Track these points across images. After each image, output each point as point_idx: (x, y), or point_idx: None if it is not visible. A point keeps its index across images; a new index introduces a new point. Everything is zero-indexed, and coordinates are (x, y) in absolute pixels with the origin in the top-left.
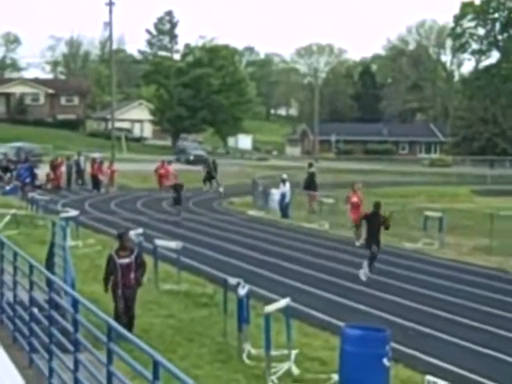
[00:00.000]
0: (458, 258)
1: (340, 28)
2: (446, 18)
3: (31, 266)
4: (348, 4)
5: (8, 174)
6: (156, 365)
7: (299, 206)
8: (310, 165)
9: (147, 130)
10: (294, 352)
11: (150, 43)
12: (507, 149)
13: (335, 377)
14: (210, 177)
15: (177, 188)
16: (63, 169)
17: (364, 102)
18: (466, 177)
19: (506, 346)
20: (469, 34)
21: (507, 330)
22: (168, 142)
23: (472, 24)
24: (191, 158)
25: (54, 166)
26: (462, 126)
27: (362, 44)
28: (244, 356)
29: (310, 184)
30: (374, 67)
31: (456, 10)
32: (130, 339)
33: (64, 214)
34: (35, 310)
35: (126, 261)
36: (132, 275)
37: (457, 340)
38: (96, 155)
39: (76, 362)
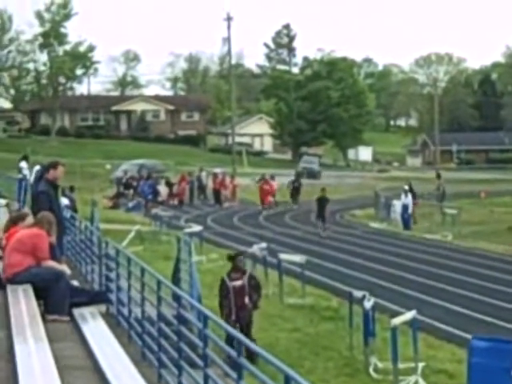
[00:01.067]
0: None
1: (459, 36)
2: None
3: (159, 282)
4: (466, 12)
5: (130, 191)
6: (288, 379)
7: (422, 218)
8: (439, 176)
9: (267, 144)
10: (420, 365)
11: (268, 57)
12: None
13: None
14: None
15: (321, 202)
16: (185, 184)
17: (485, 111)
18: None
19: None
20: None
21: None
22: (288, 156)
23: None
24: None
25: (172, 184)
26: None
27: (481, 52)
28: (371, 369)
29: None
30: (493, 75)
31: None
32: (261, 354)
33: (188, 230)
34: (163, 326)
35: (238, 283)
36: (246, 299)
37: None
38: (217, 170)
39: (206, 377)
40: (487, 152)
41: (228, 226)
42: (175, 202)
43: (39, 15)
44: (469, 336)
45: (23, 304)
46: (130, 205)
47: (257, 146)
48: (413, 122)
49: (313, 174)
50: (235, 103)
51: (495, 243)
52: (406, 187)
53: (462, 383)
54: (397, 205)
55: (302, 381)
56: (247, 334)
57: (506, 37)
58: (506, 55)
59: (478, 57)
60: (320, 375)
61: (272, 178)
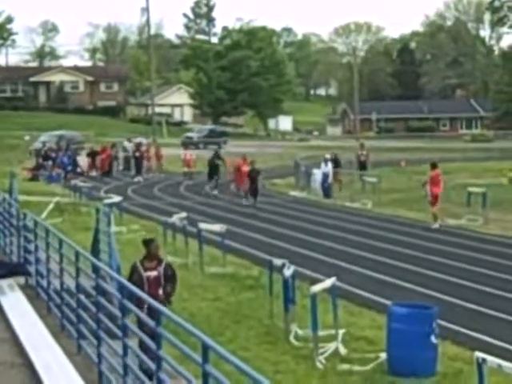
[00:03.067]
0: (503, 233)
1: (378, 5)
2: None
3: (77, 253)
4: None
5: (49, 162)
6: (205, 348)
7: (343, 186)
8: (362, 145)
9: (187, 114)
10: (340, 332)
11: (187, 27)
12: None
13: (383, 355)
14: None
15: (252, 175)
16: (107, 155)
17: (403, 80)
18: (509, 151)
19: None
20: (507, 7)
21: None
22: (208, 126)
23: None
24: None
25: (96, 153)
26: (503, 100)
27: (400, 21)
28: (291, 337)
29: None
30: (412, 44)
31: None
32: (179, 323)
33: (107, 200)
34: (82, 297)
35: (153, 274)
36: (160, 291)
37: (505, 315)
38: (141, 140)
39: (125, 348)
40: (406, 120)
41: (149, 196)
42: (96, 172)
43: None
44: (388, 302)
45: None
46: (49, 175)
47: (177, 116)
48: (332, 92)
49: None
50: (154, 74)
51: (415, 210)
52: (328, 156)
53: (381, 349)
54: (317, 174)
55: (219, 349)
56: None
57: (425, 6)
58: (424, 24)
59: (397, 26)
60: (241, 344)
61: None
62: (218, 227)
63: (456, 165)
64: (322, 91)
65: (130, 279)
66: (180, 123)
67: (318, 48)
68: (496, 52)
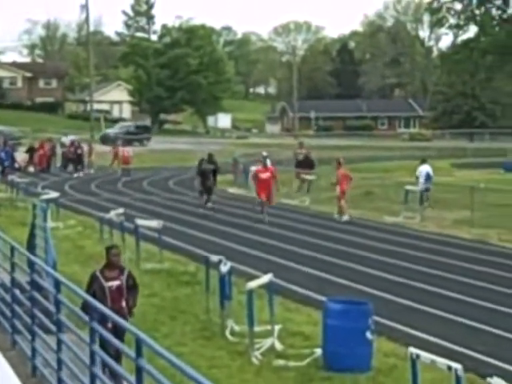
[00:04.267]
0: (440, 231)
1: (317, 5)
2: None
3: (12, 248)
4: None
5: None
6: (139, 343)
7: (281, 184)
8: (301, 144)
9: (126, 111)
10: (277, 327)
11: (127, 25)
12: (486, 122)
13: (318, 351)
14: None
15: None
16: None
17: (343, 79)
18: (446, 150)
19: (487, 316)
20: (446, 8)
21: (489, 301)
22: (147, 123)
23: None
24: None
25: (34, 149)
26: (440, 100)
27: (340, 21)
28: (227, 333)
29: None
30: (352, 44)
31: None
32: (112, 318)
33: (44, 196)
34: (17, 292)
35: (115, 283)
36: (123, 302)
37: (439, 312)
38: (72, 137)
39: (59, 343)
40: (345, 119)
41: (86, 192)
42: (33, 168)
43: None
44: (325, 299)
45: None
46: None
47: (115, 112)
48: (272, 90)
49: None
50: (93, 70)
51: (352, 208)
52: (265, 153)
53: (317, 345)
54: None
55: (152, 343)
56: (122, 342)
57: (364, 6)
58: (363, 24)
59: (337, 25)
60: (177, 339)
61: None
62: (154, 223)
63: (394, 163)
64: (261, 90)
65: (88, 290)
66: (118, 120)
67: (257, 47)
68: (435, 53)
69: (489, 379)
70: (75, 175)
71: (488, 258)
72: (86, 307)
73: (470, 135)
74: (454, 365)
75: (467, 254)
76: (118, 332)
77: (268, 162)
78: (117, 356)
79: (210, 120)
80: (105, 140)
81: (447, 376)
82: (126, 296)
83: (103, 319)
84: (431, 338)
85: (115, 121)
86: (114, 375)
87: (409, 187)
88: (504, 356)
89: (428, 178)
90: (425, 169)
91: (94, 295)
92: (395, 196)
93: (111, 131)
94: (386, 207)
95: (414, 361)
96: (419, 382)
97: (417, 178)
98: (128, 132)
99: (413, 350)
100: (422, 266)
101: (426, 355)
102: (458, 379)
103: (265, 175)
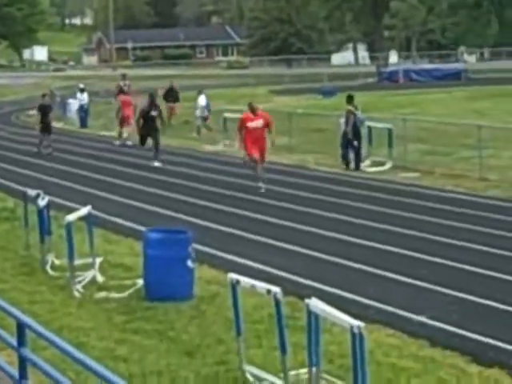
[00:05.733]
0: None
1: None
2: None
3: None
4: None
5: None
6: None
7: (98, 116)
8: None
9: None
10: (98, 260)
11: None
12: (303, 48)
13: (140, 282)
14: None
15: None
16: None
17: (160, 8)
18: (264, 77)
19: (305, 239)
20: None
21: (307, 224)
22: None
23: None
24: None
25: None
26: (257, 27)
27: None
28: (48, 267)
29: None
30: None
31: None
32: None
33: None
34: None
35: None
36: None
37: (259, 238)
38: None
39: None
40: (163, 48)
41: None
42: None
43: None
44: (144, 229)
45: None
46: None
47: None
48: (88, 21)
49: None
50: None
51: (172, 137)
52: (82, 85)
53: (139, 275)
54: (73, 103)
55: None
56: None
57: None
58: None
59: None
60: None
61: None
62: None
63: (212, 91)
64: (77, 21)
65: None
66: None
67: None
68: None
69: (307, 300)
70: None
71: (307, 183)
72: None
73: (288, 61)
74: (274, 288)
75: (286, 180)
76: None
77: (85, 94)
78: None
79: (26, 53)
80: None
81: (269, 301)
82: None
83: None
84: (254, 264)
85: None
86: None
87: (227, 115)
88: (321, 277)
89: (207, 106)
90: (203, 99)
91: None
92: (215, 124)
93: None
94: (205, 136)
95: (234, 286)
96: (240, 306)
97: (196, 108)
98: None
99: (233, 275)
100: (242, 192)
101: (245, 280)
102: (277, 302)
103: (255, 124)
